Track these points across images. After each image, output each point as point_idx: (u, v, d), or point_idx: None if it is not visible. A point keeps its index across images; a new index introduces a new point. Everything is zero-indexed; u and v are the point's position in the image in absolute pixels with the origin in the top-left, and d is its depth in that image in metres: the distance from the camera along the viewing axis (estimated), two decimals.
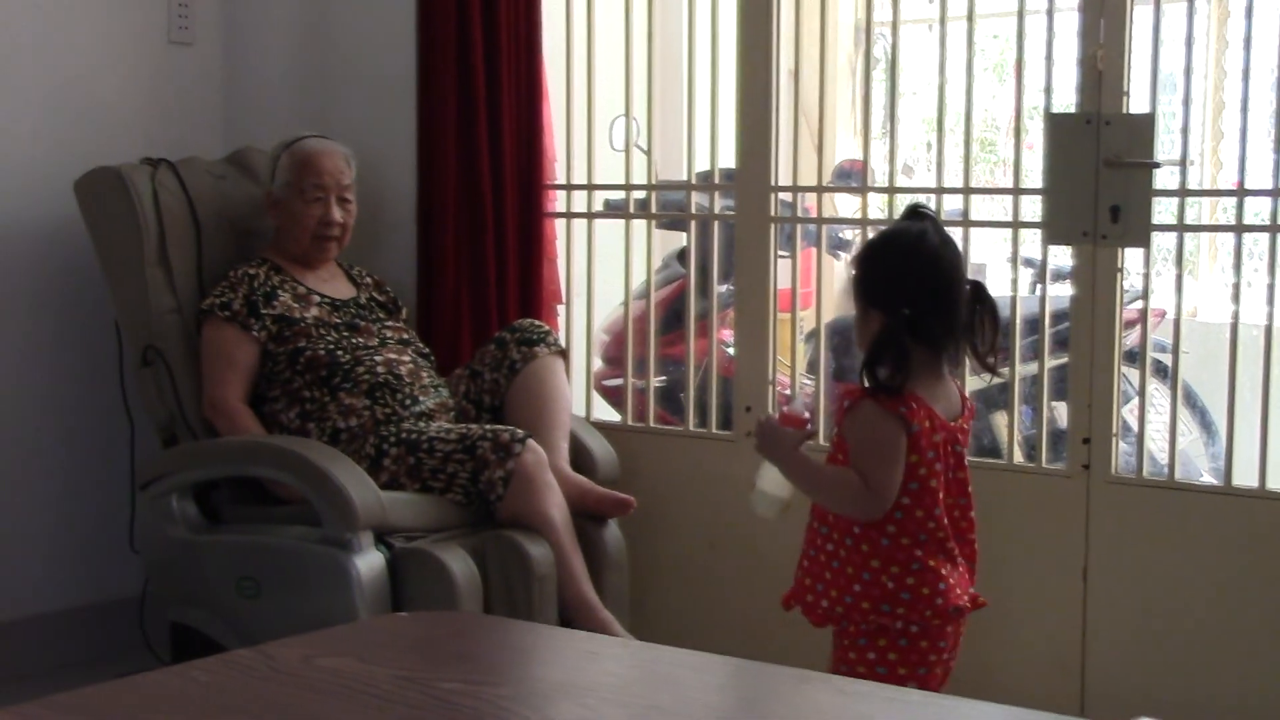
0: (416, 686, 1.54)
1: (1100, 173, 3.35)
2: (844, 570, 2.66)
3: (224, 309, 3.72)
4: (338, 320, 3.81)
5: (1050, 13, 3.46)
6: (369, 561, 3.35)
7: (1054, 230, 3.45)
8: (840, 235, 5.28)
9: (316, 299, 3.83)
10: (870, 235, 2.78)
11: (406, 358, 3.78)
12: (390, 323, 3.91)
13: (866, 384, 2.65)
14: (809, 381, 4.53)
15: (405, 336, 3.89)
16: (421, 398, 3.72)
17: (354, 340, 3.77)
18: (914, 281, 2.64)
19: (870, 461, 2.61)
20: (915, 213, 2.75)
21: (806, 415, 2.69)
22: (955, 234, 3.65)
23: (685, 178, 4.12)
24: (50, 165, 4.01)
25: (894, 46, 3.78)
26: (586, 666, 1.69)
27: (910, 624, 2.63)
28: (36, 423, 4.07)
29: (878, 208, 4.04)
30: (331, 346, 3.72)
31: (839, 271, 5.47)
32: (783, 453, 2.70)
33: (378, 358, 3.73)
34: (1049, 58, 3.48)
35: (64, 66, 4.10)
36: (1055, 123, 3.42)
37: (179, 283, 3.84)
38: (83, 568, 4.14)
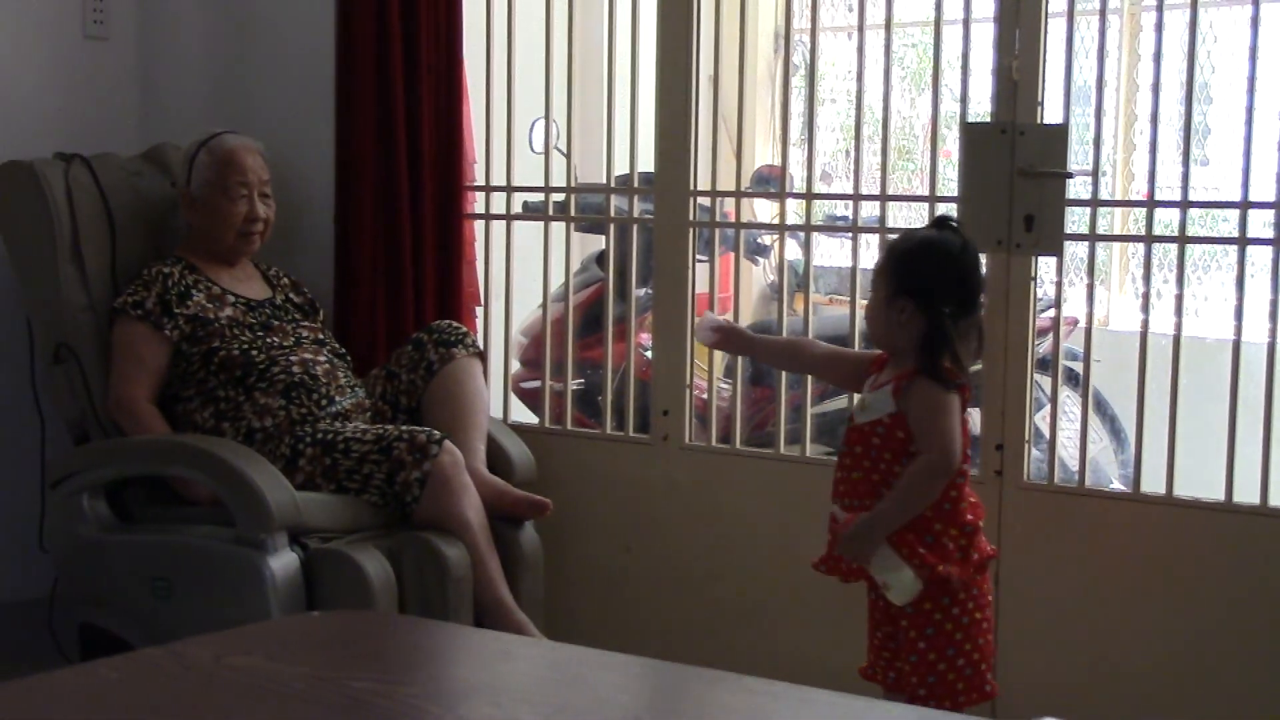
0: (328, 685, 1.53)
1: (1015, 182, 3.39)
2: (905, 536, 2.85)
3: (137, 308, 3.69)
4: (252, 320, 3.78)
5: (967, 23, 3.50)
6: (283, 562, 3.33)
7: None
8: (758, 240, 5.30)
9: (231, 299, 3.80)
10: (905, 234, 3.06)
11: (322, 358, 3.76)
12: (306, 323, 3.89)
13: (918, 365, 2.89)
14: (725, 385, 4.54)
15: (321, 337, 3.87)
16: (337, 398, 3.71)
17: (269, 340, 3.74)
18: (958, 286, 2.91)
19: (938, 426, 2.86)
20: (945, 224, 2.98)
21: (848, 516, 2.88)
22: (871, 240, 3.69)
23: (604, 181, 4.12)
24: None
25: (813, 54, 3.80)
26: (498, 666, 1.69)
27: (965, 582, 2.87)
28: None
29: (795, 213, 4.06)
30: (246, 346, 3.70)
31: (756, 276, 5.51)
32: (871, 531, 2.86)
33: (293, 358, 3.71)
34: (965, 68, 3.52)
35: None
36: (971, 132, 3.46)
37: (92, 280, 3.80)
38: None
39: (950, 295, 2.89)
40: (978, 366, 3.61)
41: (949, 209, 3.57)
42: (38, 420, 3.98)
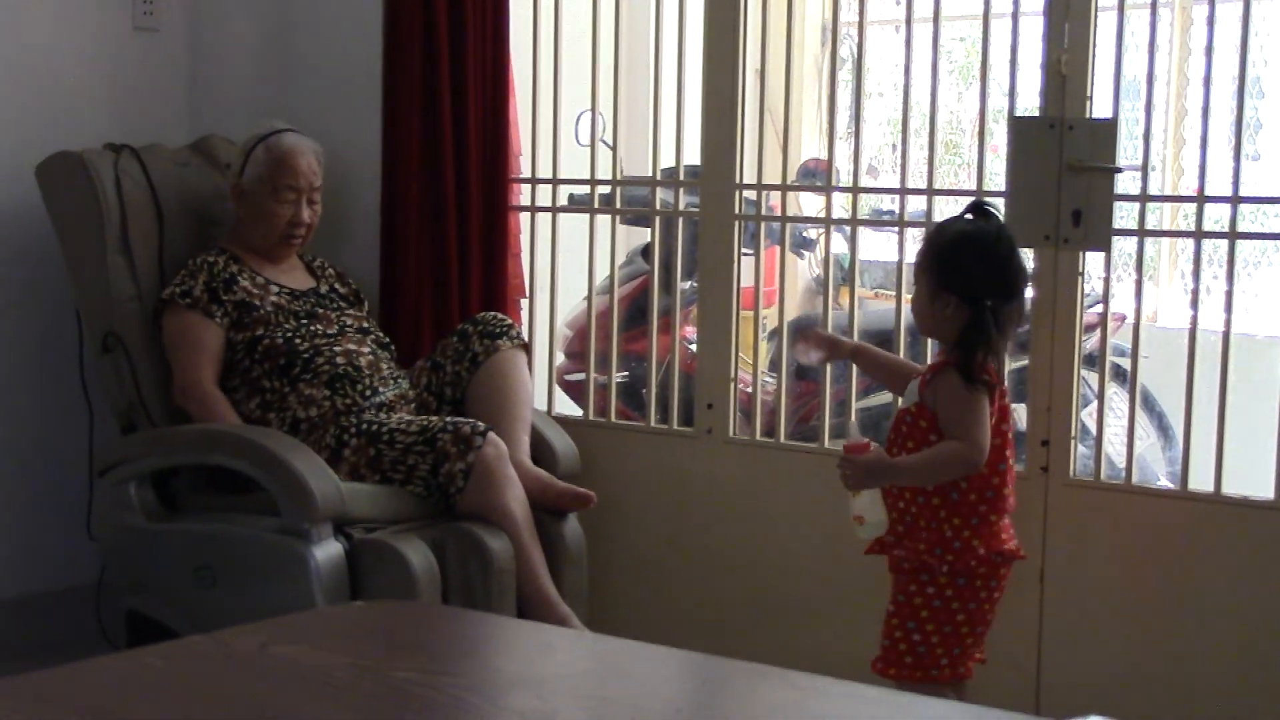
0: (371, 675, 1.54)
1: (1063, 177, 3.37)
2: (916, 523, 2.97)
3: (185, 296, 3.71)
4: (297, 309, 3.79)
5: (1015, 16, 3.48)
6: (327, 552, 3.34)
7: (1016, 233, 3.45)
8: (804, 234, 5.29)
9: (275, 289, 3.81)
10: (941, 226, 3.11)
11: (366, 348, 3.77)
12: (351, 312, 3.90)
13: (951, 358, 2.94)
14: (770, 379, 4.53)
15: (365, 325, 3.88)
16: (381, 389, 3.71)
17: (313, 329, 3.75)
18: (998, 277, 2.96)
19: (967, 421, 2.91)
20: (982, 211, 3.03)
21: (865, 439, 2.95)
22: (918, 235, 3.67)
23: (650, 174, 4.12)
24: (12, 149, 3.98)
25: (860, 47, 3.79)
26: (541, 658, 1.69)
27: (956, 572, 2.94)
28: (0, 408, 4.06)
29: (842, 207, 4.05)
30: (290, 335, 3.71)
31: (801, 270, 5.49)
32: (883, 474, 2.94)
33: (337, 348, 3.72)
34: (1013, 61, 3.49)
35: (28, 50, 4.07)
36: (1019, 126, 3.44)
37: (140, 270, 3.82)
38: (40, 554, 4.12)
39: (991, 287, 2.94)
40: (1023, 361, 3.60)
41: (996, 205, 3.56)
42: (86, 409, 4.00)
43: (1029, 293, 3.25)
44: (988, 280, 2.94)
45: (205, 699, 1.49)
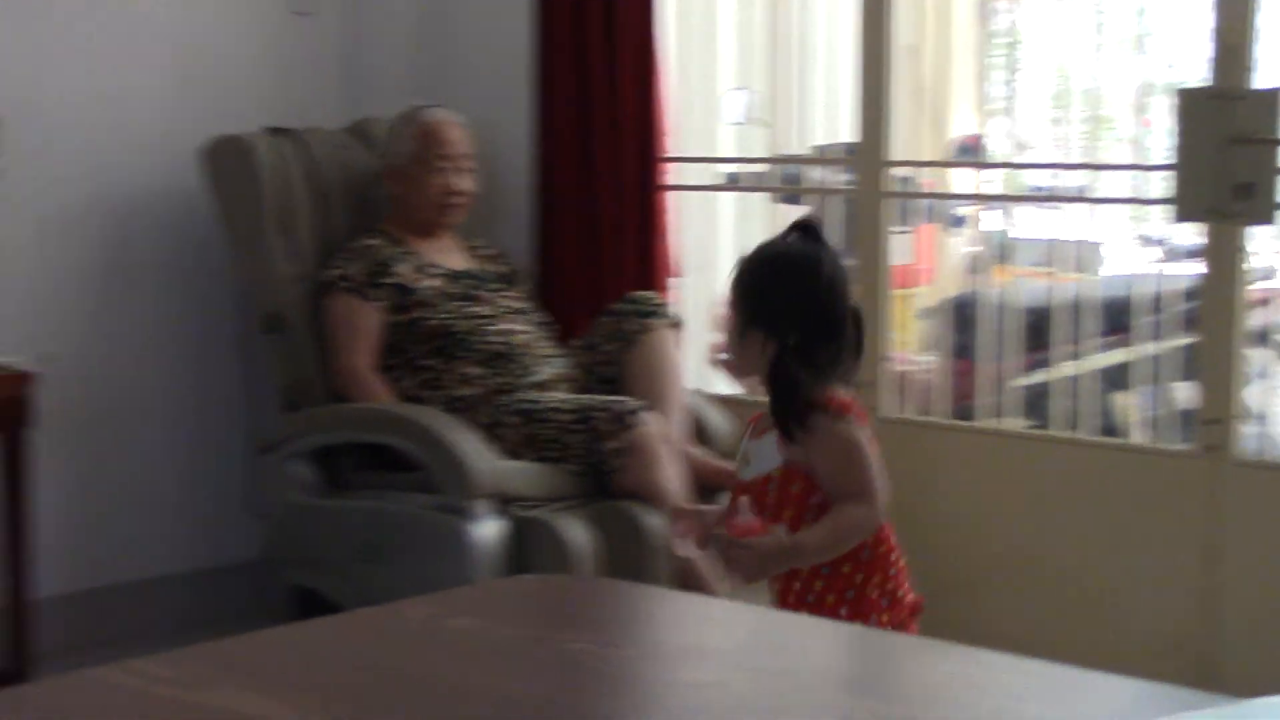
0: (545, 647, 1.55)
1: (1230, 149, 3.29)
2: (824, 600, 2.52)
3: (345, 280, 3.76)
4: (455, 291, 3.83)
5: None
6: (486, 529, 3.37)
7: (1182, 207, 3.39)
8: (955, 211, 5.22)
9: (434, 270, 3.85)
10: (757, 248, 2.64)
11: (523, 327, 3.80)
12: (508, 293, 3.93)
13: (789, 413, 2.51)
14: (924, 359, 4.49)
15: (522, 306, 3.90)
16: (537, 368, 3.74)
17: (471, 310, 3.79)
18: (806, 310, 2.52)
19: (855, 474, 2.50)
20: (805, 229, 2.59)
21: (757, 520, 2.45)
22: (1078, 210, 3.61)
23: (803, 152, 4.09)
24: (175, 133, 4.06)
25: (1017, 22, 3.73)
26: (708, 630, 1.69)
27: (892, 625, 2.52)
28: (162, 388, 4.14)
29: (997, 184, 3.98)
30: (448, 316, 3.75)
31: (954, 247, 5.43)
32: (785, 558, 2.49)
33: (493, 327, 3.75)
34: (1177, 33, 3.42)
35: (188, 35, 4.15)
36: (1185, 98, 3.36)
37: (301, 251, 3.88)
38: (206, 530, 4.21)
39: (795, 322, 2.50)
40: (1189, 339, 3.52)
41: (1156, 177, 3.48)
42: (242, 388, 4.07)
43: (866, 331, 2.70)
44: (792, 313, 2.50)
45: (380, 669, 1.51)
